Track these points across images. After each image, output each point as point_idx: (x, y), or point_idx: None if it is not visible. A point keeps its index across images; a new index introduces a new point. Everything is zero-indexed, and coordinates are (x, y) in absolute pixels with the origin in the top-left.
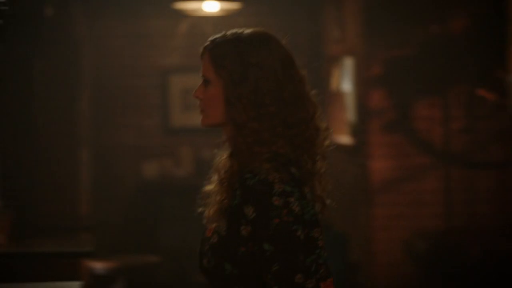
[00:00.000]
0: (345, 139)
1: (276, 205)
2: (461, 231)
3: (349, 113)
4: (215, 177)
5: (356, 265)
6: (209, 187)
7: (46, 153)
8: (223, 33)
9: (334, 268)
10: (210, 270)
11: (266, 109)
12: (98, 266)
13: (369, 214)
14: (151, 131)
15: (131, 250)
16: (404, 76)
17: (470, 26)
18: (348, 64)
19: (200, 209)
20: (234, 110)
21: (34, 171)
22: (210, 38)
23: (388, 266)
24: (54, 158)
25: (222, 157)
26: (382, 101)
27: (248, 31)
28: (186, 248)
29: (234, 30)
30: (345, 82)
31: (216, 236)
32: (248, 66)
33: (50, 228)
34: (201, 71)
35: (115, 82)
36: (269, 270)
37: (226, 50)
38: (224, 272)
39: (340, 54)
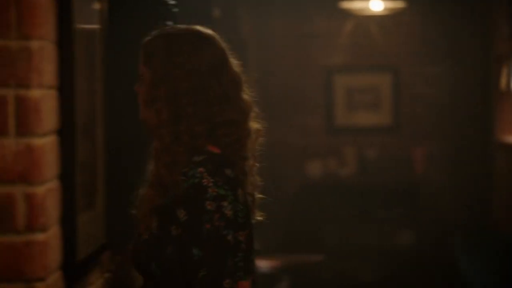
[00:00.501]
0: None
1: (208, 210)
2: None
3: None
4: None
5: None
6: (142, 190)
7: None
8: (159, 29)
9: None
10: (141, 268)
11: (184, 110)
12: (263, 264)
13: None
14: (315, 131)
15: (295, 249)
16: None
17: None
18: None
19: (132, 211)
20: (147, 112)
21: None
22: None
23: None
24: None
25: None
26: None
27: (182, 29)
28: (349, 247)
29: (169, 27)
30: None
31: (148, 234)
32: (171, 67)
33: None
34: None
35: (280, 81)
36: (196, 275)
37: (155, 49)
38: (152, 270)
39: (510, 52)
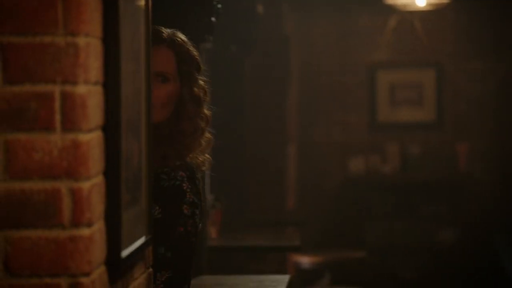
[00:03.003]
0: None
1: (185, 214)
2: None
3: None
4: None
5: None
6: None
7: (255, 149)
8: (171, 31)
9: None
10: None
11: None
12: (305, 260)
13: None
14: (358, 127)
15: (337, 245)
16: None
17: None
18: None
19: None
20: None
21: (243, 167)
22: (167, 33)
23: None
24: (263, 154)
25: None
26: None
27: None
28: (391, 244)
29: (176, 31)
30: None
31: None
32: (185, 73)
33: (258, 222)
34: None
35: (323, 78)
36: (155, 274)
37: (185, 50)
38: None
39: None
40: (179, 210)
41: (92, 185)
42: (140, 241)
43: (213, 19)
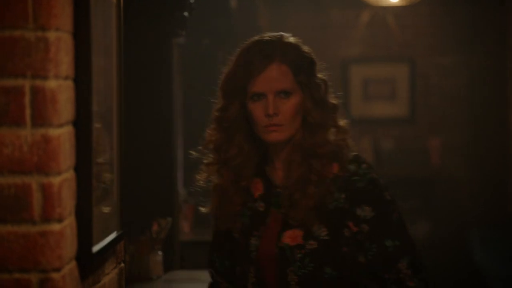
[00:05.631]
0: None
1: (389, 200)
2: None
3: None
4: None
5: None
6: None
7: None
8: (277, 38)
9: None
10: (307, 277)
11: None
12: None
13: None
14: None
15: None
16: None
17: None
18: None
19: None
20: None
21: None
22: (273, 45)
23: None
24: None
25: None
26: None
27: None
28: None
29: (283, 35)
30: None
31: (314, 242)
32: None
33: None
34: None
35: None
36: (395, 265)
37: (298, 60)
38: (324, 276)
39: None
40: (385, 199)
41: (63, 180)
42: (112, 236)
43: (185, 13)
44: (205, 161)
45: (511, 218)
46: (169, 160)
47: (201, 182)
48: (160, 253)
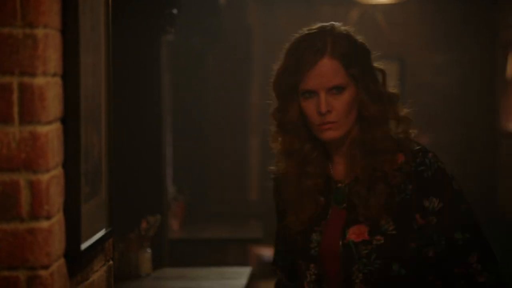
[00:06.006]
0: None
1: (456, 190)
2: None
3: None
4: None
5: None
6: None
7: (217, 140)
8: (328, 29)
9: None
10: (373, 275)
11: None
12: (267, 252)
13: None
14: None
15: None
16: None
17: None
18: None
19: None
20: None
21: (206, 158)
22: (323, 37)
23: None
24: (225, 145)
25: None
26: None
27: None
28: None
29: (333, 25)
30: None
31: (381, 237)
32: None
33: (220, 214)
34: (331, 79)
35: None
36: (465, 259)
37: (349, 52)
38: (391, 273)
39: None
40: (453, 189)
41: (51, 177)
42: (100, 233)
43: (174, 11)
44: (281, 172)
45: (500, 215)
46: (158, 158)
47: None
48: (149, 250)
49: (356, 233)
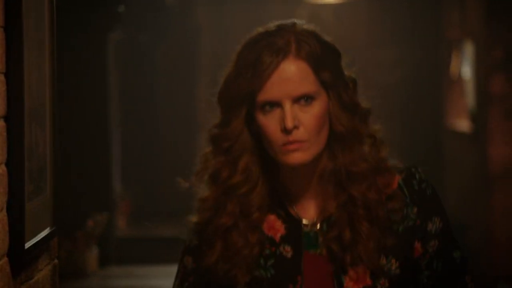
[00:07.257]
0: (464, 125)
1: (442, 204)
2: None
3: (469, 98)
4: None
5: (476, 254)
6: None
7: (166, 137)
8: (288, 26)
9: None
10: None
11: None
12: None
13: (489, 202)
14: None
15: None
16: None
17: None
18: (468, 48)
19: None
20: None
21: (154, 156)
22: (285, 36)
23: (509, 254)
24: (174, 142)
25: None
26: (503, 87)
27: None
28: None
29: (294, 22)
30: (465, 67)
31: (385, 280)
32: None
33: (167, 212)
34: (300, 86)
35: None
36: (463, 278)
37: (318, 52)
38: None
39: (460, 37)
40: (443, 206)
41: None
42: (45, 232)
43: (120, 8)
44: (199, 197)
45: None
46: (105, 156)
47: (198, 225)
48: (95, 248)
49: (354, 279)
